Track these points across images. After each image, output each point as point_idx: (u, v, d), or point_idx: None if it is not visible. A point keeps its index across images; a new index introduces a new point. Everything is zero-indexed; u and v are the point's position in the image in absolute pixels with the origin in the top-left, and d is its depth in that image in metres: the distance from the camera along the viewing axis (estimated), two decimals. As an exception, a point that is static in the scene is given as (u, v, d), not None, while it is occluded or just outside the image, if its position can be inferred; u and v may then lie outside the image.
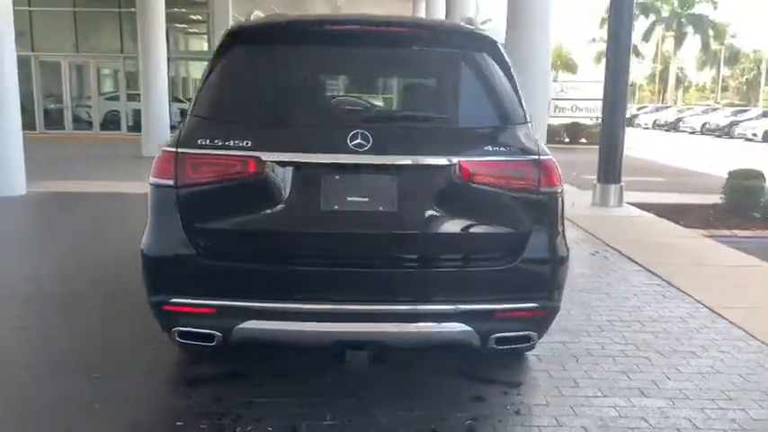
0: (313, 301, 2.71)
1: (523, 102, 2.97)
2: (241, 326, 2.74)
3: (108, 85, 23.18)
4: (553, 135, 22.69)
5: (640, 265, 5.95)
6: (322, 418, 3.04)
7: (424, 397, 3.27)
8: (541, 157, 2.85)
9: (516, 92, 2.95)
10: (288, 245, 2.78)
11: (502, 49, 3.00)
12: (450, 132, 2.86)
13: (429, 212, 2.77)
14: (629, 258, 6.20)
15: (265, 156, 2.70)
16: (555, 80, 36.79)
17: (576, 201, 9.46)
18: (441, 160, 2.75)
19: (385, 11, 26.38)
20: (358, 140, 2.70)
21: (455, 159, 2.74)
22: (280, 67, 2.98)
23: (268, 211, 2.74)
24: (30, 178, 9.41)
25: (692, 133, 35.07)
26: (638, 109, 47.73)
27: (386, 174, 2.74)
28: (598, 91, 10.70)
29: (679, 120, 38.27)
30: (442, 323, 2.78)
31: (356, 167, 2.73)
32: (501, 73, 2.95)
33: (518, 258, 2.80)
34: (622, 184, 9.15)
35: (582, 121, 22.53)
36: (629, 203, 9.29)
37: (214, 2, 20.38)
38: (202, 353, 3.44)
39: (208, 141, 2.73)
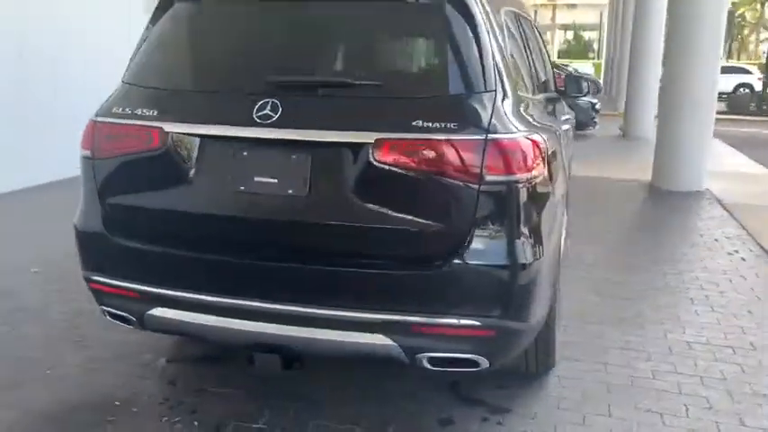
0: (214, 293, 2.39)
1: (491, 65, 2.32)
2: (150, 312, 2.52)
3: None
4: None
5: (785, 274, 4.73)
6: (256, 419, 2.75)
7: (384, 410, 2.81)
8: (492, 136, 2.20)
9: (481, 52, 2.31)
10: (191, 228, 2.47)
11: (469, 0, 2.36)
12: (379, 102, 2.32)
13: (344, 199, 2.29)
14: (776, 263, 4.97)
15: (168, 127, 2.42)
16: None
17: (759, 189, 7.94)
18: (357, 137, 2.24)
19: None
20: (265, 111, 2.29)
21: (374, 136, 2.22)
22: (201, 27, 2.65)
23: (172, 189, 2.47)
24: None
25: None
26: None
27: (296, 151, 2.31)
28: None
29: None
30: (358, 332, 2.30)
31: (262, 143, 2.34)
32: (462, 28, 2.32)
33: (448, 263, 2.22)
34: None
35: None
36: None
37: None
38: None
39: (121, 110, 2.52)
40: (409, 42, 2.50)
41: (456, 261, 2.21)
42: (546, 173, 2.59)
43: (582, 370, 3.23)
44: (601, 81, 28.85)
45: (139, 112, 2.46)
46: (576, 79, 5.20)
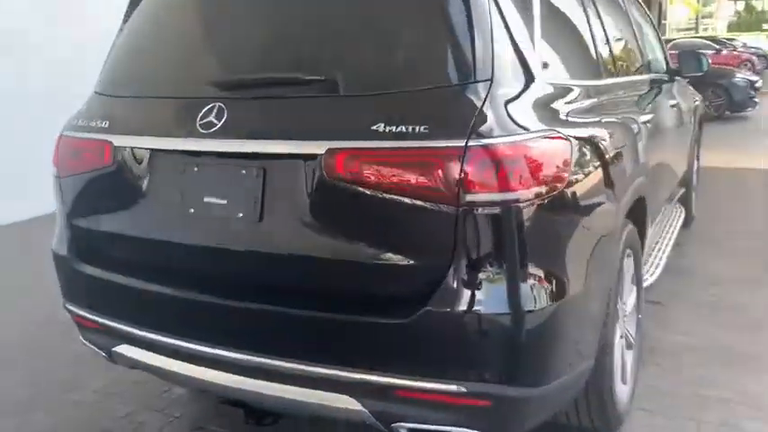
0: (169, 334, 2.03)
1: (488, 44, 1.74)
2: (116, 349, 2.24)
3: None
4: None
5: None
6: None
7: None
8: (476, 142, 1.64)
9: (470, 29, 1.74)
10: (143, 257, 2.13)
11: None
12: (334, 102, 1.83)
13: (298, 225, 1.84)
14: None
15: (117, 140, 2.10)
16: None
17: None
18: (307, 147, 1.78)
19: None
20: (209, 118, 1.90)
21: (325, 145, 1.74)
22: (149, 28, 2.31)
23: (125, 211, 2.14)
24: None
25: None
26: None
27: (245, 166, 1.89)
28: None
29: None
30: (321, 392, 1.84)
31: (208, 156, 1.95)
32: (449, 4, 1.79)
33: (418, 310, 1.68)
34: None
35: None
36: None
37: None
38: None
39: (81, 122, 2.25)
40: (374, 23, 1.97)
41: (428, 308, 1.68)
42: (596, 180, 2.02)
43: (665, 429, 2.53)
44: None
45: (94, 125, 2.19)
46: (693, 56, 4.33)
